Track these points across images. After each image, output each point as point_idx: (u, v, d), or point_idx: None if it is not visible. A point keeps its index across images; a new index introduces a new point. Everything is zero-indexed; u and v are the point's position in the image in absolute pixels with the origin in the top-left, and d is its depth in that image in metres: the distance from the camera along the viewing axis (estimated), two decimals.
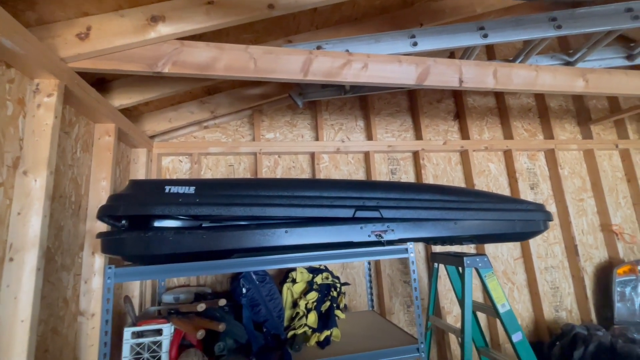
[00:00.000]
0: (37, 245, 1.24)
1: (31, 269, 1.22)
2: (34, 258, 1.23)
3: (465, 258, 2.02)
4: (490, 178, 3.19)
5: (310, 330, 1.82)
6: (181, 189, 1.56)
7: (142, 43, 1.50)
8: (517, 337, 1.96)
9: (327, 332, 1.79)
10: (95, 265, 1.73)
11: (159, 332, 1.59)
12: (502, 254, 3.05)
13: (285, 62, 1.67)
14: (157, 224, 1.69)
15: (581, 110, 3.56)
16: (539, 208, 1.99)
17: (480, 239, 2.17)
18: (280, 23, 2.02)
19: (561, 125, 3.52)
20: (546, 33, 1.77)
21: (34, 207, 1.25)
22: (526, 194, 3.18)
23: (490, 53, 3.45)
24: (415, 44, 1.80)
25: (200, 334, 1.45)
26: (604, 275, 3.14)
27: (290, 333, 1.82)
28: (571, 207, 3.15)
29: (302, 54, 1.70)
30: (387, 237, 1.69)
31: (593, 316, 2.94)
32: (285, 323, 1.94)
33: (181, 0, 1.52)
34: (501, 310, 1.99)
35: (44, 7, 1.32)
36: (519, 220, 1.90)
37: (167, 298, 2.12)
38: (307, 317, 1.88)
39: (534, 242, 3.04)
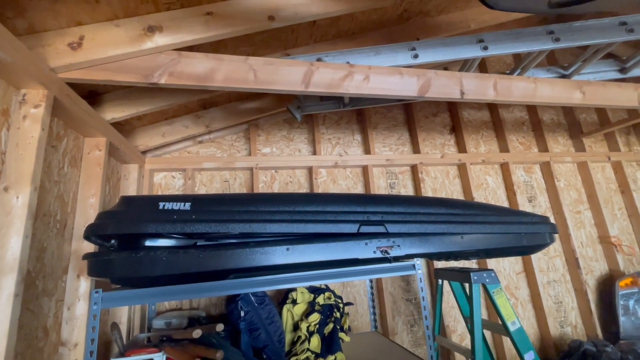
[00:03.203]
0: (16, 269, 1.12)
1: (8, 295, 1.09)
2: (12, 283, 1.11)
3: (472, 274, 1.95)
4: (489, 191, 3.17)
5: (314, 355, 1.71)
6: (176, 205, 1.46)
7: (137, 53, 1.44)
8: (529, 357, 1.87)
9: (331, 358, 1.68)
10: (80, 290, 1.60)
11: None
12: (504, 268, 2.99)
13: (286, 74, 1.63)
14: (148, 243, 1.58)
15: (572, 124, 3.62)
16: (545, 220, 1.95)
17: (487, 254, 2.11)
18: (279, 36, 2.00)
19: (554, 138, 3.56)
20: (545, 45, 1.79)
21: (14, 226, 1.14)
22: (524, 207, 3.16)
23: (482, 69, 3.51)
24: (416, 56, 1.80)
25: None
26: (606, 288, 3.10)
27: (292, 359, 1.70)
28: (569, 219, 3.14)
29: (303, 65, 1.67)
30: (393, 253, 1.62)
31: (599, 331, 2.87)
32: (286, 348, 1.81)
33: (179, 11, 1.48)
34: (511, 328, 1.90)
35: (35, 15, 1.25)
36: (526, 233, 1.86)
37: (158, 323, 1.97)
38: (309, 341, 1.76)
39: (535, 256, 2.99)
